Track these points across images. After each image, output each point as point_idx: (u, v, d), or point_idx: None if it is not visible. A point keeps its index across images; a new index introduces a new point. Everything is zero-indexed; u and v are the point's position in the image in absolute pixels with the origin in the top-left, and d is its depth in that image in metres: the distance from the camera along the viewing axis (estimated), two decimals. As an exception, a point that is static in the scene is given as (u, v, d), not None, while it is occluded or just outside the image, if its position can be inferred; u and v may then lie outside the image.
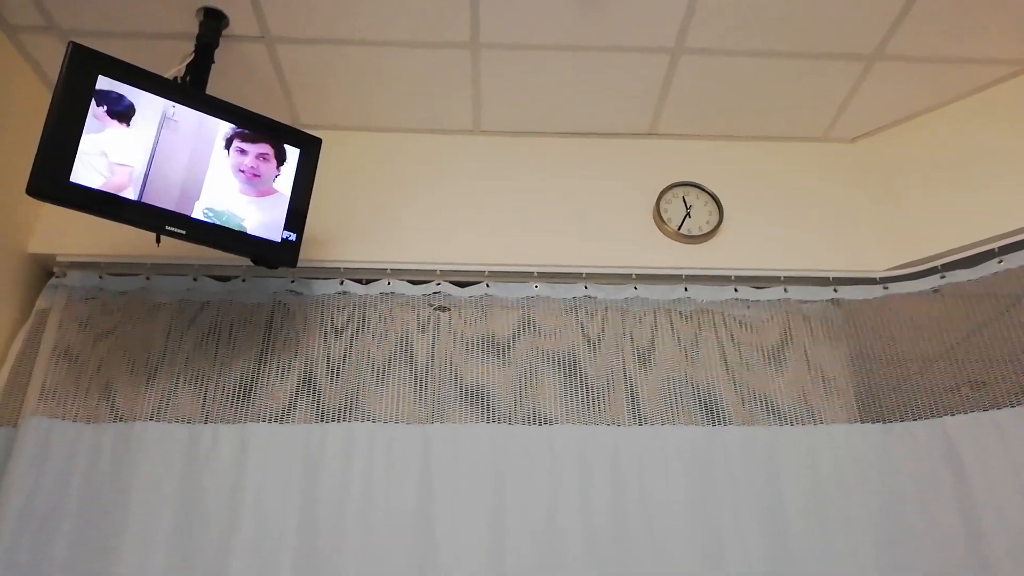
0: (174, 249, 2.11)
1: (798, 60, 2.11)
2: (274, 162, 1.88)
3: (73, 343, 2.05)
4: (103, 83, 1.67)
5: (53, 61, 2.09)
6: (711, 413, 2.03)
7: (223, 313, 2.14)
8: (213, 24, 1.97)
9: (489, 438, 1.96)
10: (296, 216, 1.93)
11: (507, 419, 2.01)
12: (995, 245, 2.04)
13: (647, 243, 2.23)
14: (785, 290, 2.21)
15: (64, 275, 2.15)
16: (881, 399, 2.04)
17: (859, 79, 2.17)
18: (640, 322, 2.16)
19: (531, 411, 2.02)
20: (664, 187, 2.28)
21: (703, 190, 2.29)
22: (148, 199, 1.71)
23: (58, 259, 2.14)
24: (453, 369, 2.07)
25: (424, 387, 2.05)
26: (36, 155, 1.59)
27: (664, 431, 1.98)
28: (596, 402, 2.04)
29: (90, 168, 1.64)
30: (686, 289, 2.20)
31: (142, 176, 1.71)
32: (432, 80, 2.19)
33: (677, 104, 2.28)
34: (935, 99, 2.24)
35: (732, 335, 2.15)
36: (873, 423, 2.00)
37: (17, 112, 2.08)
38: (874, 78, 2.17)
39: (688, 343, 2.13)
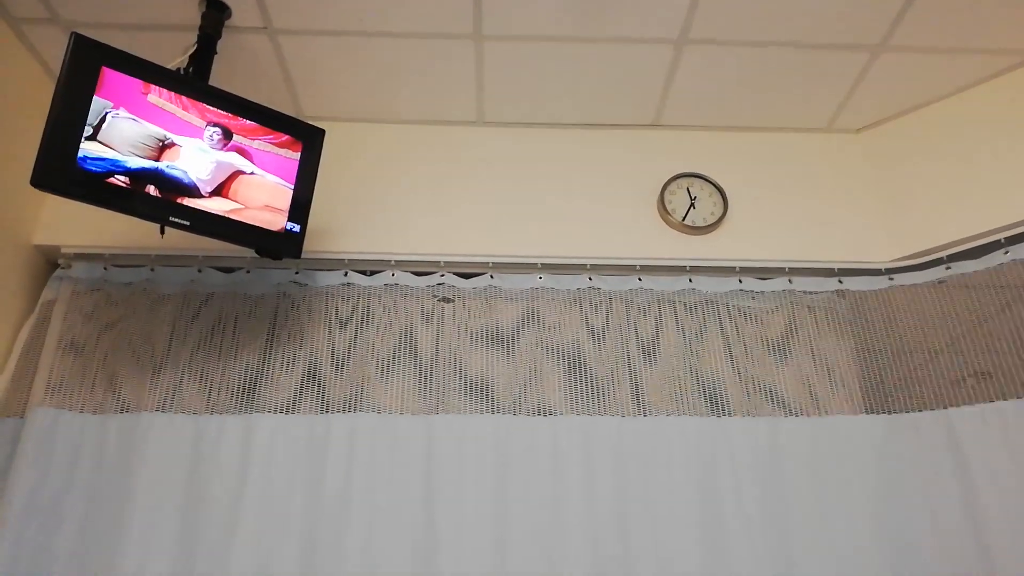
0: (178, 240, 2.11)
1: (803, 51, 2.10)
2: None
3: (79, 334, 2.06)
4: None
5: (56, 53, 2.09)
6: (715, 404, 2.03)
7: (227, 304, 2.15)
8: (216, 15, 1.97)
9: (493, 429, 1.96)
10: (300, 207, 1.93)
11: (511, 410, 2.01)
12: (1001, 236, 2.04)
13: (651, 234, 2.23)
14: (790, 281, 2.21)
15: (69, 267, 2.16)
16: (886, 390, 2.04)
17: (864, 70, 2.16)
18: (644, 313, 2.16)
19: (535, 402, 2.02)
20: (668, 178, 2.28)
21: (707, 181, 2.28)
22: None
23: (63, 251, 2.15)
24: (457, 360, 2.08)
25: (428, 378, 2.05)
26: (40, 146, 1.59)
27: (668, 422, 1.98)
28: (600, 393, 2.04)
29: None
30: (690, 280, 2.20)
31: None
32: (436, 71, 2.19)
33: (681, 95, 2.27)
34: (940, 90, 2.23)
35: (737, 326, 2.15)
36: (878, 414, 2.00)
37: (21, 104, 2.08)
38: (879, 69, 2.16)
39: (692, 334, 2.13)
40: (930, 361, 2.04)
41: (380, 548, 1.82)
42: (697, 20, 2.00)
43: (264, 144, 1.89)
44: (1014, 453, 1.83)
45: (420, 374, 2.06)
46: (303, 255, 1.98)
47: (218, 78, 2.07)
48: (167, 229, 1.78)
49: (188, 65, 1.90)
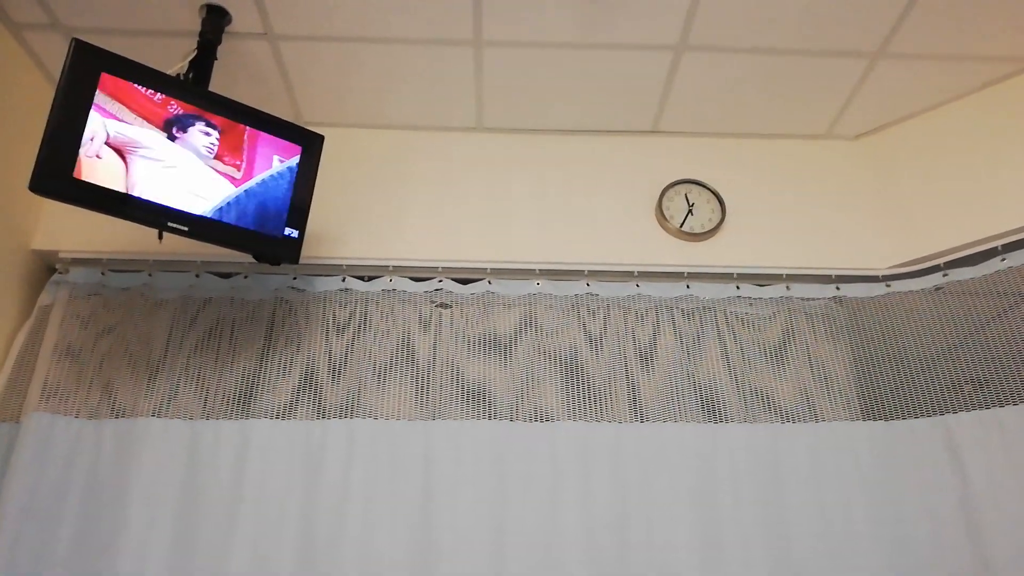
0: (176, 246, 2.11)
1: (801, 57, 2.11)
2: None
3: (75, 340, 2.06)
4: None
5: (56, 58, 2.09)
6: (713, 411, 2.03)
7: (225, 310, 2.15)
8: (216, 21, 1.97)
9: (490, 435, 1.96)
10: (298, 213, 1.93)
11: (508, 416, 2.01)
12: (998, 243, 2.04)
13: (649, 240, 2.23)
14: (787, 288, 2.21)
15: (66, 272, 2.16)
16: (883, 397, 2.04)
17: (862, 76, 2.17)
18: (642, 319, 2.16)
19: (532, 408, 2.02)
20: (666, 184, 2.28)
21: (705, 187, 2.29)
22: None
23: (60, 256, 2.15)
24: (454, 366, 2.07)
25: (425, 384, 2.05)
26: (39, 152, 1.59)
27: (665, 428, 1.98)
28: (597, 399, 2.04)
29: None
30: (688, 287, 2.20)
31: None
32: (435, 77, 2.19)
33: (680, 101, 2.28)
34: (938, 97, 2.23)
35: (734, 333, 2.15)
36: (875, 421, 2.00)
37: (21, 109, 2.08)
38: (877, 75, 2.16)
39: (690, 341, 2.13)
40: (927, 368, 2.04)
41: (377, 555, 1.81)
42: (696, 27, 2.01)
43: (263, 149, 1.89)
44: (1012, 459, 1.83)
45: (417, 380, 2.06)
46: (301, 261, 1.98)
47: (218, 83, 2.08)
48: (165, 234, 1.78)
49: (188, 71, 1.91)
